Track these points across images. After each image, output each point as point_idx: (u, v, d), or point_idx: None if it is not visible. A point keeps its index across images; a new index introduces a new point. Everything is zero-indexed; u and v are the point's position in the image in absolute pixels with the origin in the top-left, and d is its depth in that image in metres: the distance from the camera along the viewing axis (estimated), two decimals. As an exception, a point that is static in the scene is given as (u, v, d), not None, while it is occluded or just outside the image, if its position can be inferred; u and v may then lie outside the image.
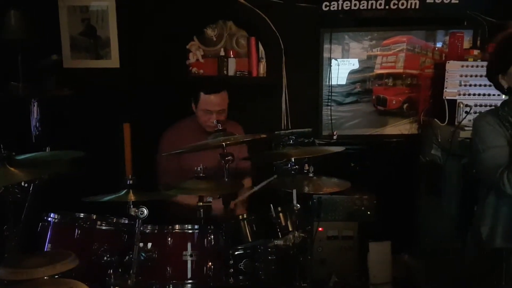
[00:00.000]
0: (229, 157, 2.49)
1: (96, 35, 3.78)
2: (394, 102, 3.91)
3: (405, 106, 3.90)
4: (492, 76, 2.16)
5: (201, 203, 2.53)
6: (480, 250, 2.13)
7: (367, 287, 3.50)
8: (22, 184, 2.29)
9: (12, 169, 1.80)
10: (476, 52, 3.49)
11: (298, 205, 2.58)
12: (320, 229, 3.41)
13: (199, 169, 2.54)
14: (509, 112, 2.08)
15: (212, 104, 3.04)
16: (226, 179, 2.51)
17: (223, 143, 2.46)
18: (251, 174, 3.34)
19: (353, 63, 3.88)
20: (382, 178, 3.70)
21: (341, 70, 3.88)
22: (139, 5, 3.77)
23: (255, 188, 2.83)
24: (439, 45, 3.81)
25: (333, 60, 3.86)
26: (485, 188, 2.15)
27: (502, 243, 2.05)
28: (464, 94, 3.37)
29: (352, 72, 3.89)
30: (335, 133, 3.90)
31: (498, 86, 2.15)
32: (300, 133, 3.57)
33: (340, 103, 3.93)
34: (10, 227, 2.10)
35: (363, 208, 3.43)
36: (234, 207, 2.97)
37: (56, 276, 1.96)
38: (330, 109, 3.91)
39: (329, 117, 3.92)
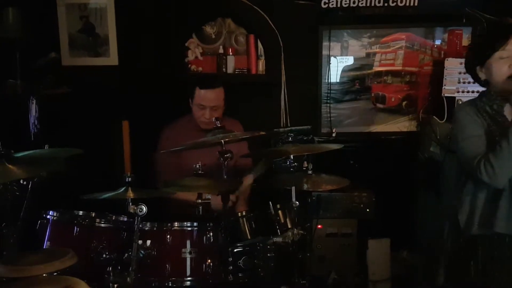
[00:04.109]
0: (227, 155, 2.48)
1: (95, 33, 3.78)
2: (393, 100, 3.91)
3: (404, 103, 3.90)
4: (470, 68, 2.22)
5: (199, 200, 2.52)
6: (459, 237, 2.19)
7: (366, 284, 3.52)
8: (21, 182, 2.30)
9: (10, 166, 1.80)
10: (474, 49, 3.49)
11: (297, 202, 2.59)
12: (319, 226, 3.44)
13: (197, 166, 2.55)
14: (487, 102, 2.14)
15: (206, 99, 3.05)
16: (225, 177, 2.51)
17: (222, 141, 2.45)
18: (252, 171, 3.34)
19: (352, 61, 3.88)
20: (381, 176, 3.71)
21: (340, 67, 3.89)
22: (138, 2, 3.78)
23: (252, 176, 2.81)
24: (438, 42, 3.80)
25: (332, 58, 3.85)
26: (463, 177, 2.20)
27: (479, 230, 2.11)
28: (462, 92, 3.37)
29: (351, 70, 3.89)
30: (334, 131, 3.90)
31: (476, 78, 2.22)
32: (299, 131, 3.58)
33: (339, 101, 3.92)
34: (9, 225, 2.11)
35: (362, 206, 3.46)
36: (236, 199, 2.99)
37: (54, 274, 1.96)
38: (329, 106, 3.91)
39: (328, 115, 3.92)
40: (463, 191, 2.19)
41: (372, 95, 3.92)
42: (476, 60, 2.17)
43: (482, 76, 2.17)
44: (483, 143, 2.07)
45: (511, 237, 2.07)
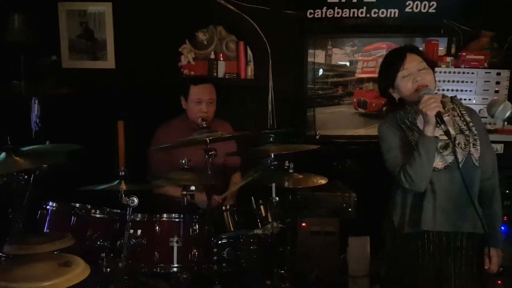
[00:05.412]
0: (212, 152, 2.65)
1: (93, 38, 3.93)
2: (374, 105, 4.04)
3: (384, 108, 3.95)
4: (384, 91, 2.41)
5: (185, 192, 2.69)
6: (394, 236, 2.37)
7: (346, 279, 3.61)
8: (23, 175, 2.45)
9: (17, 158, 1.99)
10: (449, 59, 3.66)
11: (277, 197, 2.76)
12: (303, 224, 3.54)
13: (183, 161, 2.74)
14: (404, 115, 2.33)
15: (202, 93, 3.23)
16: (209, 172, 2.67)
17: (207, 139, 2.63)
18: (240, 170, 3.49)
19: (336, 68, 4.02)
20: (363, 177, 3.85)
21: (324, 74, 4.03)
22: (135, 9, 3.92)
23: (242, 183, 2.96)
24: (416, 51, 3.95)
25: (316, 65, 4.00)
26: (394, 182, 2.38)
27: (410, 229, 2.28)
28: (438, 98, 3.52)
29: (334, 76, 4.03)
30: (318, 133, 4.03)
31: (392, 99, 2.39)
32: (283, 133, 3.71)
33: (323, 105, 4.06)
34: (15, 210, 2.29)
35: (344, 205, 3.55)
36: (222, 201, 3.12)
37: (55, 252, 2.16)
38: (314, 110, 4.04)
39: (313, 118, 4.05)
40: (395, 194, 2.38)
41: (354, 100, 4.06)
42: (386, 83, 2.36)
43: (396, 96, 2.35)
44: (403, 153, 2.27)
45: (437, 233, 2.25)
